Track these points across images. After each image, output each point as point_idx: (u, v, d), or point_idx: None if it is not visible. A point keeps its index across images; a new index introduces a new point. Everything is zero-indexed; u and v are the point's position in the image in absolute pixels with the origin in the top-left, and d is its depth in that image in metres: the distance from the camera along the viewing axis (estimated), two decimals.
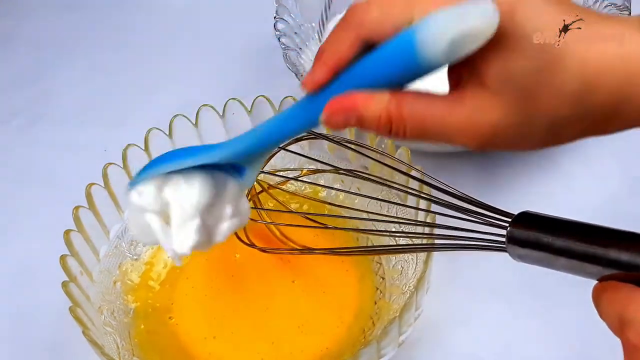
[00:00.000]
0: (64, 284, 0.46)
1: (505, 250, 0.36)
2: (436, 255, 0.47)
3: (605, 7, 0.58)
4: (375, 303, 0.51)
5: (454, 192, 0.43)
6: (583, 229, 0.34)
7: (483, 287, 0.54)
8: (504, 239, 0.36)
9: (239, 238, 0.51)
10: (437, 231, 0.45)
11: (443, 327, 0.52)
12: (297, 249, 0.52)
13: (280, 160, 0.57)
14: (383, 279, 0.52)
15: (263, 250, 0.51)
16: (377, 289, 0.52)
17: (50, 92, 0.74)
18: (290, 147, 0.53)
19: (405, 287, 0.50)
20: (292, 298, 0.52)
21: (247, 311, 0.51)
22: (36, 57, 0.77)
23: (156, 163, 0.38)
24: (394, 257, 0.52)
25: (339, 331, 0.49)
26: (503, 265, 0.42)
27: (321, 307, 0.51)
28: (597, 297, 0.32)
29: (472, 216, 0.40)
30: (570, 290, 0.41)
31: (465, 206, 0.41)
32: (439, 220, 0.45)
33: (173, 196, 0.37)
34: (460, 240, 0.40)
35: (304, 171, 0.55)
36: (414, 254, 0.49)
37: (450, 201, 0.43)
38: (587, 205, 0.58)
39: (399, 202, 0.52)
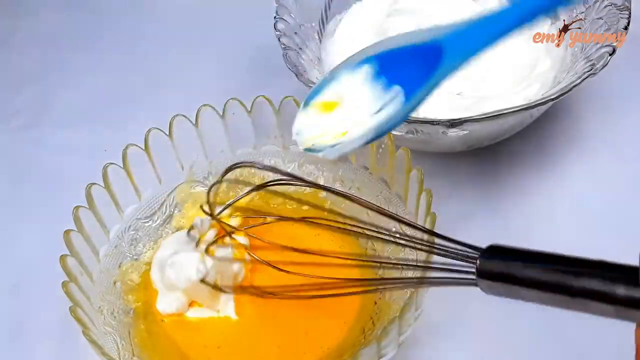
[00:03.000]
0: (64, 284, 0.46)
1: (476, 285, 0.36)
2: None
3: (605, 7, 0.58)
4: (375, 303, 0.51)
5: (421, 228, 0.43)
6: (556, 259, 0.34)
7: None
8: (474, 276, 0.36)
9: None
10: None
11: (443, 327, 0.52)
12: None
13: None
14: None
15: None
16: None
17: (50, 92, 0.74)
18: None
19: None
20: (302, 302, 0.51)
21: (256, 317, 0.51)
22: (36, 57, 0.77)
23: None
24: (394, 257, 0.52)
25: (339, 332, 0.49)
26: None
27: (326, 309, 0.50)
28: None
29: (440, 249, 0.39)
30: None
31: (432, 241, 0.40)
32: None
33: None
34: (432, 269, 0.39)
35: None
36: (415, 253, 0.49)
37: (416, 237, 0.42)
38: (587, 205, 0.58)
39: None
